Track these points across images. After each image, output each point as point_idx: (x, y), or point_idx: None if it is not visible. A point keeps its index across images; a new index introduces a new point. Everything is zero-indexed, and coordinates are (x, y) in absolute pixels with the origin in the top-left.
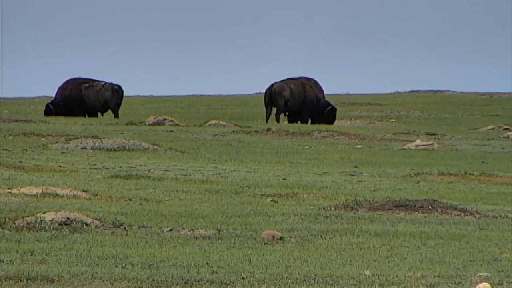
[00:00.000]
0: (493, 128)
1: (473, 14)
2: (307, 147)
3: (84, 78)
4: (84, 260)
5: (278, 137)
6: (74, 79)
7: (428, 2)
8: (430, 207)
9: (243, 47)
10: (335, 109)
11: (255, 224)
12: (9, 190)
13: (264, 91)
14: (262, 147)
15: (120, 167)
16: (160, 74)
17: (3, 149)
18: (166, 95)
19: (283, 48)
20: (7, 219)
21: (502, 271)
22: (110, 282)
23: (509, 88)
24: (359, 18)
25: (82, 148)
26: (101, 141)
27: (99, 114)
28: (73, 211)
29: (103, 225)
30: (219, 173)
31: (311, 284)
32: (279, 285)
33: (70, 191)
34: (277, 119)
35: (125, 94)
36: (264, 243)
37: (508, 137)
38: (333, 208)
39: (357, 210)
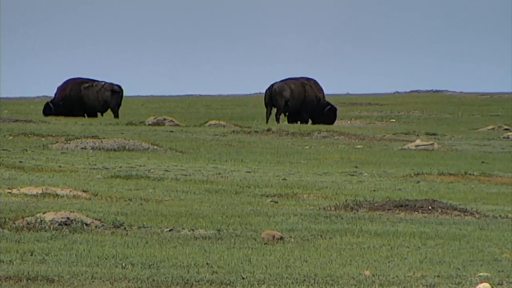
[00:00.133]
0: (493, 128)
1: (473, 14)
2: (307, 147)
3: (83, 78)
4: (84, 260)
5: (278, 137)
6: (73, 79)
7: (428, 2)
8: (430, 207)
9: (243, 47)
10: (335, 109)
11: (255, 224)
12: (9, 190)
13: (264, 91)
14: (262, 147)
15: (120, 167)
16: (160, 74)
17: (3, 149)
18: (166, 95)
19: (283, 48)
20: (7, 219)
21: (502, 271)
22: (110, 282)
23: (509, 88)
24: (359, 18)
25: (82, 148)
26: (101, 141)
27: (99, 114)
28: (73, 211)
29: (103, 225)
30: (219, 173)
31: (311, 284)
32: (279, 285)
33: (70, 191)
34: (277, 119)
35: (125, 94)
36: (264, 243)
37: (508, 137)
38: (333, 208)
39: (357, 210)
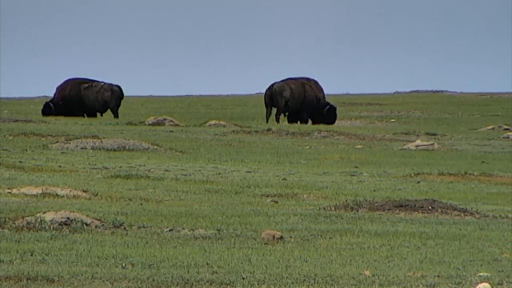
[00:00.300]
0: (493, 128)
1: (473, 14)
2: (307, 147)
3: (83, 78)
4: (84, 260)
5: (278, 137)
6: (73, 79)
7: (428, 2)
8: (430, 207)
9: (243, 47)
10: (335, 108)
11: (255, 224)
12: (9, 190)
13: (264, 91)
14: (262, 147)
15: (120, 167)
16: (160, 74)
17: (3, 149)
18: (166, 95)
19: (283, 48)
20: (7, 219)
21: (502, 271)
22: (110, 282)
23: (509, 88)
24: (359, 18)
25: (82, 148)
26: (101, 141)
27: (98, 114)
28: (73, 211)
29: (103, 225)
30: (219, 173)
31: (311, 284)
32: (279, 285)
33: (70, 191)
34: (277, 119)
35: (125, 94)
36: (264, 243)
37: (508, 137)
38: (333, 208)
39: (357, 210)
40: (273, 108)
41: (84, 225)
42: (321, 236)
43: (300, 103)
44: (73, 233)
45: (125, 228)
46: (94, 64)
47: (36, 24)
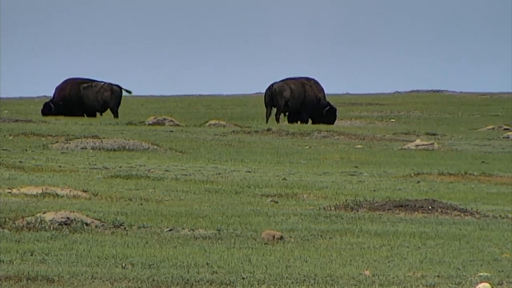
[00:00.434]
0: (493, 128)
1: (473, 14)
2: (307, 147)
3: (82, 78)
4: (84, 260)
5: (278, 137)
6: (72, 79)
7: (428, 2)
8: (430, 207)
9: (243, 47)
10: (335, 109)
11: (255, 224)
12: (9, 190)
13: (264, 91)
14: (262, 147)
15: (120, 167)
16: (160, 74)
17: (3, 149)
18: (166, 95)
19: (283, 48)
20: (7, 219)
21: (502, 271)
22: (110, 282)
23: (509, 88)
24: (359, 18)
25: (82, 148)
26: (101, 141)
27: (98, 114)
28: (73, 211)
29: (103, 225)
30: (219, 173)
31: (311, 284)
32: (279, 285)
33: (70, 191)
34: (277, 119)
35: (125, 94)
36: (264, 243)
37: (508, 137)
38: (333, 208)
39: (357, 210)
40: (273, 108)
41: (84, 225)
42: (321, 236)
43: (300, 103)
44: (73, 233)
45: (125, 228)
46: (94, 64)
47: (36, 24)
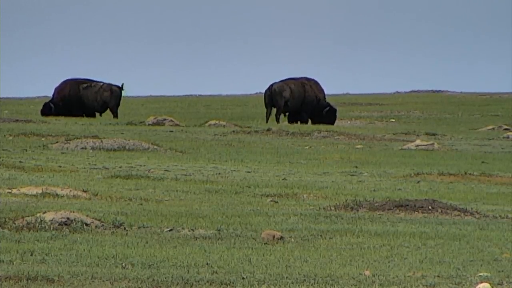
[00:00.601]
0: (493, 128)
1: (473, 14)
2: (307, 147)
3: (81, 78)
4: (84, 260)
5: (278, 137)
6: (72, 79)
7: (428, 2)
8: (430, 207)
9: (243, 47)
10: (335, 110)
11: (255, 224)
12: (9, 190)
13: (264, 91)
14: (262, 147)
15: (120, 167)
16: (160, 74)
17: (3, 149)
18: (166, 95)
19: (283, 48)
20: (7, 219)
21: (502, 271)
22: (110, 282)
23: (509, 88)
24: (359, 18)
25: (82, 148)
26: (101, 141)
27: (98, 114)
28: (73, 211)
29: (103, 225)
30: (219, 173)
31: (311, 284)
32: (279, 285)
33: (70, 191)
34: (277, 119)
35: (125, 94)
36: (264, 243)
37: (508, 137)
38: (333, 208)
39: (357, 210)
40: (273, 108)
41: (84, 225)
42: (321, 236)
43: (300, 103)
44: (73, 233)
45: (125, 228)
46: (94, 64)
47: (36, 24)
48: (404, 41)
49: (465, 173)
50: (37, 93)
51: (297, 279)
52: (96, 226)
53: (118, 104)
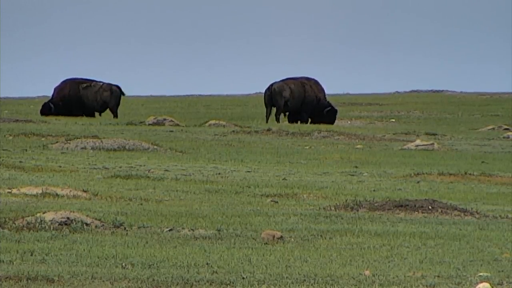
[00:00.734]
0: (493, 128)
1: (473, 14)
2: (307, 147)
3: (81, 78)
4: (84, 260)
5: (278, 137)
6: (71, 79)
7: (428, 2)
8: (430, 207)
9: (243, 47)
10: (335, 111)
11: (255, 224)
12: (9, 190)
13: (264, 91)
14: (262, 147)
15: (120, 167)
16: (160, 74)
17: (3, 149)
18: (166, 95)
19: (283, 48)
20: (7, 219)
21: (502, 271)
22: (110, 282)
23: (509, 88)
24: (359, 18)
25: (82, 148)
26: (101, 141)
27: (97, 113)
28: (73, 211)
29: (103, 225)
30: (219, 173)
31: (311, 284)
32: (279, 285)
33: (70, 191)
34: (277, 119)
35: (125, 94)
36: (264, 243)
37: (508, 137)
38: (333, 208)
39: (357, 210)
40: (273, 108)
41: (84, 225)
42: (321, 236)
43: (300, 103)
44: (73, 233)
45: (125, 228)
46: (94, 64)
47: (36, 24)
48: (404, 41)
49: (465, 173)
50: (37, 93)
51: (297, 279)
52: (96, 226)
53: (118, 104)
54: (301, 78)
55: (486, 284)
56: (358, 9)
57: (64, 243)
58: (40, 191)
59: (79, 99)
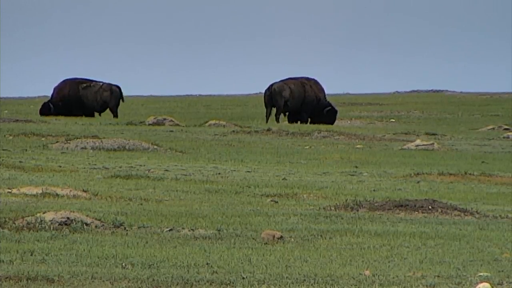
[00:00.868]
0: (493, 128)
1: (473, 14)
2: (307, 147)
3: (80, 78)
4: (84, 260)
5: (278, 137)
6: (71, 79)
7: (429, 2)
8: (430, 207)
9: (243, 47)
10: (335, 111)
11: (255, 224)
12: (9, 190)
13: (264, 91)
14: (262, 147)
15: (120, 167)
16: (160, 74)
17: (3, 149)
18: (166, 95)
19: (283, 48)
20: (7, 219)
21: (502, 271)
22: (110, 282)
23: (509, 88)
24: (359, 18)
25: (82, 148)
26: (101, 141)
27: (97, 113)
28: (73, 211)
29: (103, 225)
30: (219, 173)
31: (311, 284)
32: (279, 285)
33: (70, 191)
34: (277, 119)
35: (125, 94)
36: (264, 243)
37: (508, 137)
38: (333, 208)
39: (357, 210)
40: (273, 108)
41: (84, 225)
42: (321, 236)
43: (300, 103)
44: (73, 233)
45: (125, 228)
46: (94, 64)
47: (36, 24)
48: (404, 41)
49: (465, 173)
50: (37, 93)
51: (297, 279)
52: (96, 226)
53: (118, 104)
54: (301, 78)
55: (486, 284)
56: (358, 9)
57: (64, 243)
58: (40, 191)
59: (79, 99)
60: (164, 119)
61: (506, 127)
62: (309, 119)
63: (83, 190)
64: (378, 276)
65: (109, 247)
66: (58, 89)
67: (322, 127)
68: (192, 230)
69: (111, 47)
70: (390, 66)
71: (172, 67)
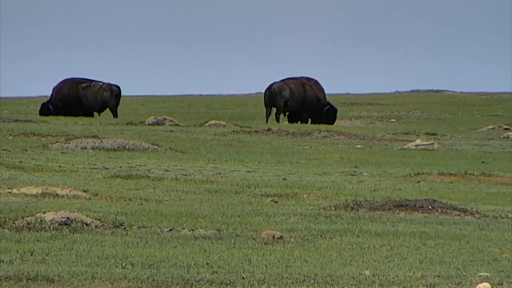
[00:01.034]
0: (493, 128)
1: (473, 14)
2: (307, 147)
3: (80, 78)
4: (84, 260)
5: (278, 137)
6: (70, 79)
7: (429, 2)
8: (430, 207)
9: (243, 47)
10: (336, 110)
11: (255, 224)
12: (9, 190)
13: (264, 91)
14: (262, 147)
15: (120, 167)
16: (160, 74)
17: (3, 149)
18: (166, 95)
19: (283, 48)
20: (7, 219)
21: (502, 271)
22: (110, 282)
23: (509, 88)
24: (359, 18)
25: (82, 148)
26: (101, 141)
27: (96, 113)
28: (73, 211)
29: (103, 225)
30: (219, 173)
31: (311, 284)
32: (279, 285)
33: (70, 191)
34: (277, 119)
35: (125, 94)
36: (264, 243)
37: (508, 137)
38: (333, 208)
39: (357, 210)
40: (273, 108)
41: (84, 225)
42: (321, 236)
43: (300, 103)
44: (73, 233)
45: (125, 228)
46: (94, 64)
47: (36, 24)
48: (405, 41)
49: (465, 173)
50: (37, 93)
51: (297, 279)
52: (96, 226)
53: (118, 104)
54: (301, 78)
55: (486, 284)
56: (358, 9)
57: (64, 243)
58: (40, 191)
59: (78, 99)
60: (164, 119)
61: (506, 127)
62: (309, 119)
63: (83, 190)
64: (378, 276)
65: (109, 247)
66: (57, 89)
67: (322, 127)
68: (192, 230)
69: (111, 47)
70: (390, 66)
71: (172, 67)
